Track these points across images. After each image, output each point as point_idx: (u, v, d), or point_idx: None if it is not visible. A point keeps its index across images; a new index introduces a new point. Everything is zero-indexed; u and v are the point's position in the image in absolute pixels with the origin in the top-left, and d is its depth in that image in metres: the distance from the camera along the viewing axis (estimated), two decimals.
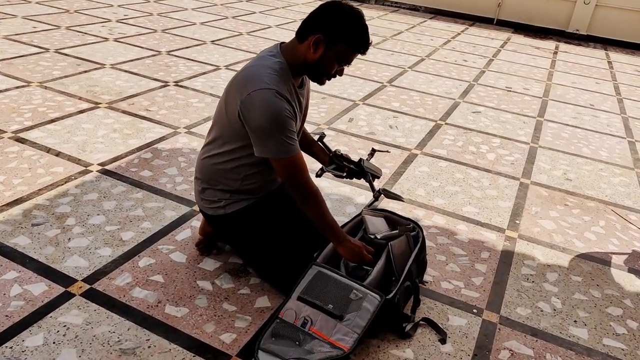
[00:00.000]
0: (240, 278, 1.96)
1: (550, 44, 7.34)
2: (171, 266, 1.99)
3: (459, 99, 4.44)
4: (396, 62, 5.50)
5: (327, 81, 1.66)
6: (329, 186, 2.74)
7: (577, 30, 7.74)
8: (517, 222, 2.61)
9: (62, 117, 3.29)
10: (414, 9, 9.07)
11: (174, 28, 5.92)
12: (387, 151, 2.12)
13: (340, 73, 1.65)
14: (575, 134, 3.93)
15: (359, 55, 1.63)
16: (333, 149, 1.96)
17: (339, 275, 1.68)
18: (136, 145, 3.00)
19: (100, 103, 3.58)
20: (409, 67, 5.31)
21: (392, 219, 2.05)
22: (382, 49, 5.99)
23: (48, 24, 5.72)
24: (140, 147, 2.99)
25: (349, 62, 1.61)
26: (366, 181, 1.93)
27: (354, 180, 2.07)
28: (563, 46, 7.30)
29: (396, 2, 9.24)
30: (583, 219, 2.71)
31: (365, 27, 1.56)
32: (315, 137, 2.01)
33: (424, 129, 3.69)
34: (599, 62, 6.58)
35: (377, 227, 1.96)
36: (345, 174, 1.93)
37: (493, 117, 4.10)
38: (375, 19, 7.88)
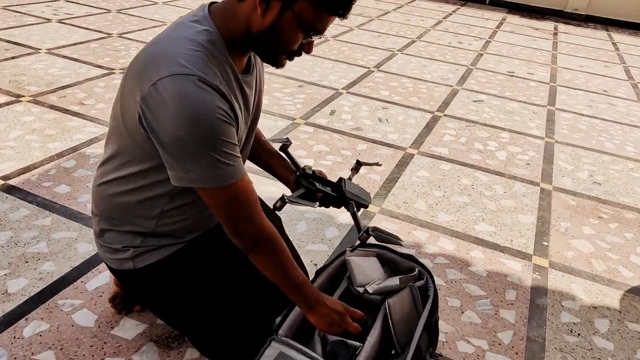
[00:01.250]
0: (171, 350, 1.35)
1: (548, 25, 6.77)
2: (71, 334, 1.37)
3: (457, 86, 3.84)
4: (384, 44, 4.87)
5: (287, 62, 1.04)
6: None
7: (576, 10, 7.18)
8: (545, 243, 2.03)
9: None
10: None
11: (131, 8, 5.20)
12: (378, 164, 1.45)
13: (307, 48, 1.02)
14: (594, 126, 3.37)
15: (338, 21, 0.99)
16: (302, 164, 1.32)
17: (311, 358, 1.08)
18: (57, 150, 2.34)
19: (22, 96, 2.90)
20: (398, 50, 4.69)
21: (388, 258, 1.45)
22: (367, 30, 5.35)
23: None
24: (61, 152, 2.33)
25: (319, 31, 0.98)
26: (349, 212, 1.30)
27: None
28: (562, 27, 6.74)
29: None
30: (624, 237, 2.15)
31: None
32: (276, 146, 1.38)
33: (420, 122, 3.09)
34: (602, 43, 6.03)
35: (368, 273, 1.35)
36: (318, 203, 1.30)
37: (498, 106, 3.51)
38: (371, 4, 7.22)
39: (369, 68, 4.06)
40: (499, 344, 1.51)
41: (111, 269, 1.21)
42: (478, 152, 2.78)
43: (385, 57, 4.44)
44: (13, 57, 3.50)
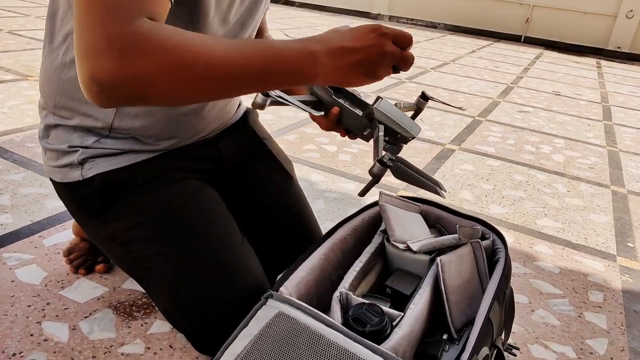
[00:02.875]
0: (133, 320, 0.98)
1: (589, 60, 6.47)
2: (7, 291, 1.01)
3: (499, 99, 3.51)
4: (416, 62, 4.62)
5: None
6: (309, 173, 1.78)
7: (619, 47, 6.88)
8: (630, 245, 1.61)
9: None
10: (431, 25, 8.31)
11: None
12: (460, 108, 1.03)
13: None
14: None
15: None
16: None
17: (325, 323, 0.69)
18: None
19: (31, 76, 2.69)
20: (431, 68, 4.42)
21: (437, 217, 1.07)
22: None
23: (18, 12, 4.98)
24: None
25: None
26: (372, 138, 0.81)
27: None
28: (605, 62, 6.42)
29: (411, 19, 8.49)
30: None
31: None
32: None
33: (459, 124, 2.74)
34: None
35: (410, 228, 0.98)
36: (323, 113, 0.79)
37: (547, 117, 3.15)
38: None
39: (400, 79, 3.78)
40: (591, 353, 1.09)
41: (55, 187, 0.87)
42: (530, 153, 2.40)
43: (417, 72, 4.17)
44: (32, 49, 3.36)
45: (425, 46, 5.93)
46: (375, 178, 0.74)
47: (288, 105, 0.75)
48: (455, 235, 0.92)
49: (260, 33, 1.02)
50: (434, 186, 0.77)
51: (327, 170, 1.89)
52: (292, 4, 9.12)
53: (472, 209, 1.72)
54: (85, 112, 0.79)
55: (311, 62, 0.58)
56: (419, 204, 1.07)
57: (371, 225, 1.01)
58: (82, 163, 0.81)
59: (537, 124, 2.96)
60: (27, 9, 5.15)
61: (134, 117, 0.79)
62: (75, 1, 0.50)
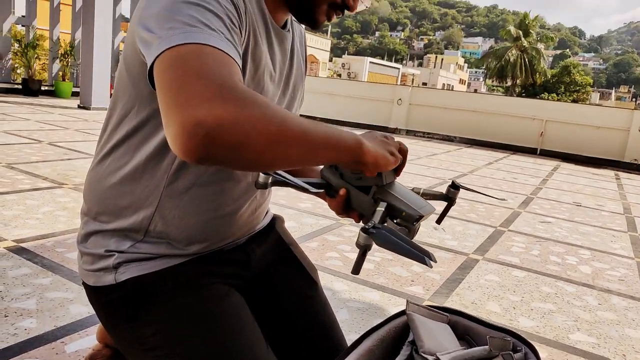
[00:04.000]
0: None
1: (608, 172, 6.54)
2: None
3: (519, 209, 3.52)
4: (433, 174, 4.74)
5: (328, 19, 0.84)
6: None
7: (635, 160, 6.98)
8: None
9: (6, 193, 2.53)
10: (447, 139, 8.64)
11: None
12: (503, 199, 1.01)
13: (353, 5, 0.82)
14: None
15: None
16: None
17: None
18: None
19: (65, 184, 2.84)
20: (449, 179, 4.52)
21: (465, 327, 1.04)
22: (415, 164, 5.29)
23: (58, 126, 5.40)
24: None
25: None
26: (375, 210, 0.78)
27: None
28: (623, 174, 6.47)
29: (428, 133, 8.86)
30: None
31: None
32: None
33: (482, 234, 2.74)
34: None
35: (439, 339, 0.95)
36: (322, 191, 0.81)
37: (570, 228, 3.13)
38: (407, 145, 7.39)
39: (418, 192, 3.85)
40: None
41: (87, 291, 0.89)
42: (556, 264, 2.35)
43: (435, 182, 4.26)
44: (69, 159, 3.58)
45: (443, 158, 6.12)
46: (362, 249, 0.70)
47: (290, 185, 0.75)
48: (486, 347, 0.89)
49: None
50: (421, 255, 0.67)
51: (350, 279, 1.87)
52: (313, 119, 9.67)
53: (501, 322, 1.67)
54: (124, 217, 0.84)
55: (358, 144, 0.68)
56: (447, 314, 1.05)
57: (398, 335, 0.99)
58: (116, 267, 0.83)
59: (560, 234, 2.94)
60: (67, 122, 5.57)
61: (169, 220, 0.83)
62: (174, 64, 0.57)
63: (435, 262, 0.68)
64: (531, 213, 3.44)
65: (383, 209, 0.76)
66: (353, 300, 1.70)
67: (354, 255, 2.12)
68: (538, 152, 7.75)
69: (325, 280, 1.83)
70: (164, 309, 0.83)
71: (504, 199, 1.00)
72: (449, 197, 0.89)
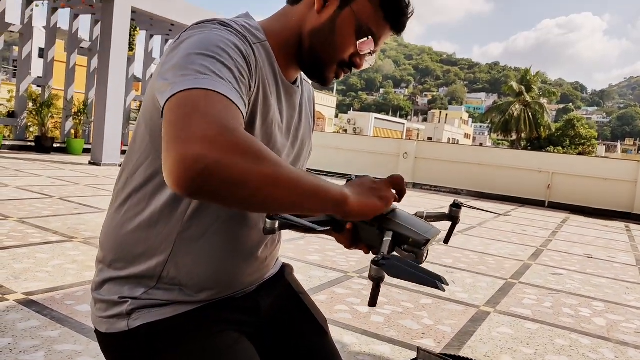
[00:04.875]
0: None
1: (618, 224, 6.48)
2: None
3: (530, 261, 3.49)
4: (441, 226, 4.71)
5: (337, 77, 0.89)
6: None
7: None
8: None
9: (18, 246, 2.56)
10: (455, 192, 8.66)
11: None
12: (498, 214, 0.99)
13: (358, 62, 0.87)
14: None
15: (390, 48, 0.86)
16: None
17: None
18: (91, 277, 2.16)
19: (75, 238, 2.87)
20: (458, 232, 4.50)
21: None
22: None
23: (69, 181, 5.50)
24: None
25: (376, 38, 0.84)
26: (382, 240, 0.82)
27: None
28: (634, 226, 6.41)
29: (435, 186, 8.90)
30: None
31: None
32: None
33: (492, 286, 2.70)
34: None
35: None
36: (328, 227, 0.78)
37: (582, 280, 3.08)
38: (414, 198, 7.42)
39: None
40: None
41: (99, 339, 0.90)
42: (569, 316, 2.30)
43: (444, 235, 4.24)
44: (79, 213, 3.63)
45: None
46: (375, 282, 0.69)
47: (298, 227, 0.78)
48: None
49: None
50: (433, 281, 0.67)
51: (360, 332, 1.85)
52: (320, 173, 9.78)
53: None
54: (138, 263, 0.86)
55: (343, 198, 0.70)
56: None
57: None
58: (129, 313, 0.85)
59: (572, 286, 2.89)
60: (78, 178, 5.68)
61: (182, 267, 0.85)
62: (182, 104, 0.63)
63: (448, 284, 0.68)
64: (542, 265, 3.40)
65: (390, 238, 0.77)
66: (363, 353, 1.67)
67: (363, 308, 2.10)
68: (546, 205, 7.73)
69: (335, 333, 1.80)
70: (175, 356, 0.83)
71: (499, 214, 0.99)
72: (453, 216, 0.88)
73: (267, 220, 0.77)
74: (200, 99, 0.63)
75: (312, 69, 0.90)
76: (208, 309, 0.91)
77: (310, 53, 0.88)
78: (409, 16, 0.85)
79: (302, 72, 0.93)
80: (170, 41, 0.76)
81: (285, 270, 1.12)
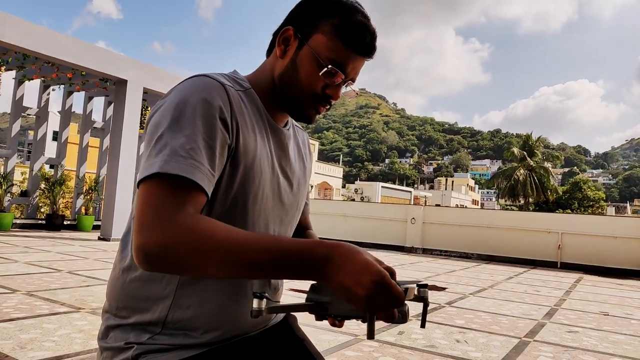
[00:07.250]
0: None
1: (633, 282, 6.33)
2: None
3: (544, 320, 3.40)
4: (453, 288, 4.65)
5: (317, 112, 0.95)
6: None
7: None
8: None
9: (24, 318, 2.56)
10: (465, 256, 8.55)
11: None
12: (444, 289, 0.96)
13: (333, 93, 0.92)
14: None
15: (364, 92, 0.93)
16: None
17: None
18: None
19: (83, 308, 2.87)
20: (470, 294, 4.43)
21: None
22: (434, 280, 5.22)
23: (78, 256, 5.54)
24: None
25: (341, 66, 0.90)
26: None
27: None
28: None
29: (445, 251, 8.81)
30: None
31: (359, 9, 0.93)
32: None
33: (506, 345, 2.63)
34: None
35: None
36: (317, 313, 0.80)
37: (599, 337, 2.98)
38: (424, 263, 7.33)
39: (439, 304, 3.78)
40: None
41: None
42: None
43: (456, 297, 4.17)
44: (87, 286, 3.63)
45: (461, 274, 6.03)
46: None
47: (286, 311, 0.75)
48: None
49: (304, 230, 1.16)
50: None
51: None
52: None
53: None
54: (143, 310, 0.89)
55: (317, 273, 0.71)
56: None
57: None
58: (135, 358, 0.86)
59: (589, 343, 2.80)
60: (87, 253, 5.71)
61: (186, 308, 0.87)
62: (141, 196, 0.73)
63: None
64: (556, 323, 3.31)
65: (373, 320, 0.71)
66: None
67: None
68: (559, 266, 7.59)
69: None
70: None
71: (445, 289, 0.95)
72: (422, 297, 0.82)
73: (255, 300, 0.71)
74: (155, 190, 0.74)
75: (290, 109, 0.97)
76: (213, 354, 0.93)
77: (282, 94, 0.96)
78: (369, 38, 0.88)
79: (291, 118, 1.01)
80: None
81: (289, 318, 1.14)
